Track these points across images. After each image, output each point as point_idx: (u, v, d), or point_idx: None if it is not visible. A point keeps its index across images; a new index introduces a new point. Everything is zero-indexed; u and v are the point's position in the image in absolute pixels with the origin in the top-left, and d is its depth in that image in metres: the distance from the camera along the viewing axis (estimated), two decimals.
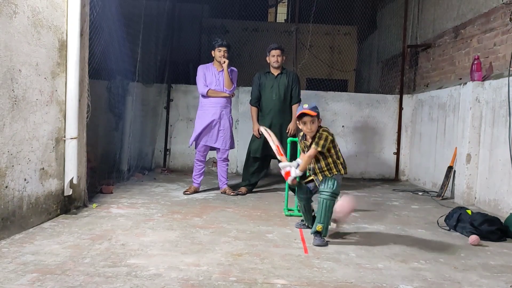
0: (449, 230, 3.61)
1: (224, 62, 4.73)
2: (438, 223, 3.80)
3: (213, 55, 4.85)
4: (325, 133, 3.05)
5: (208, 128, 4.77)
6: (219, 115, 4.79)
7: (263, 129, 3.61)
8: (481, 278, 2.50)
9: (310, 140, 3.11)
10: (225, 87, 4.79)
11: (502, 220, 3.55)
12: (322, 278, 2.38)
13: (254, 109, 5.04)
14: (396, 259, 2.79)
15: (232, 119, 4.95)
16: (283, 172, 3.15)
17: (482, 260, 2.85)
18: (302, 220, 3.50)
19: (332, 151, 3.11)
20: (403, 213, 4.30)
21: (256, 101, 5.03)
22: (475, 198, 4.71)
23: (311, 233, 3.07)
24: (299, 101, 4.95)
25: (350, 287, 2.29)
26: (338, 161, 3.12)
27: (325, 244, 2.99)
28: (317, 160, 3.11)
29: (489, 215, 3.54)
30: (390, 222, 3.84)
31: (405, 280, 2.42)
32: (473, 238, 3.22)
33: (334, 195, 3.02)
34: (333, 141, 3.09)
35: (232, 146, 4.99)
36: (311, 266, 2.57)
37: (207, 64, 4.91)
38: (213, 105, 4.78)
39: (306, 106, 3.05)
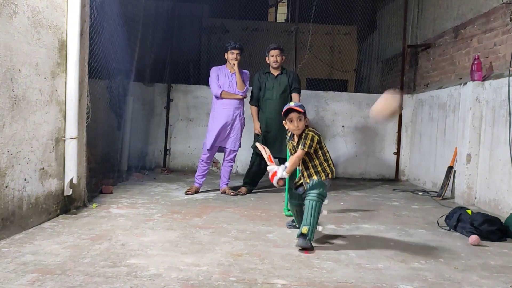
0: (449, 230, 3.61)
1: (234, 64, 4.76)
2: (438, 223, 3.80)
3: (226, 58, 4.88)
4: (311, 133, 3.00)
5: (222, 130, 4.79)
6: (232, 116, 4.82)
7: (258, 145, 3.51)
8: (481, 278, 2.50)
9: (297, 140, 3.06)
10: (238, 88, 4.81)
11: (502, 220, 3.55)
12: (322, 278, 2.38)
13: (254, 108, 5.07)
14: (396, 259, 2.79)
15: (244, 120, 4.96)
16: (270, 174, 3.05)
17: (482, 260, 2.85)
18: (293, 221, 3.45)
19: (319, 152, 3.05)
20: (403, 213, 4.30)
21: (256, 101, 5.05)
22: (475, 198, 4.70)
23: (297, 237, 2.93)
24: (298, 91, 5.00)
25: (350, 287, 2.29)
26: (326, 164, 3.06)
27: (310, 247, 2.87)
28: (304, 162, 3.07)
29: (489, 215, 3.54)
30: (390, 222, 3.84)
31: (405, 280, 2.42)
32: (473, 238, 3.22)
33: (322, 197, 2.96)
34: (319, 141, 3.02)
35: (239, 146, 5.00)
36: (311, 266, 2.57)
37: (220, 66, 4.94)
38: (226, 107, 4.81)
39: (292, 104, 3.04)
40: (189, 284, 2.21)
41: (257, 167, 5.02)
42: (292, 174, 3.15)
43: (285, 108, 3.05)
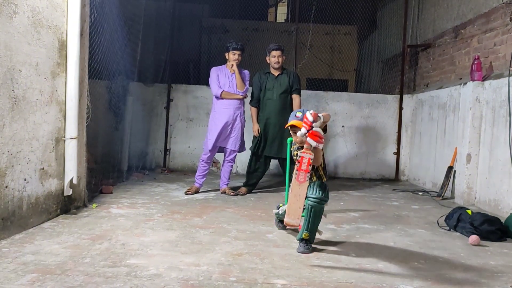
0: (449, 230, 3.61)
1: (232, 65, 4.78)
2: (438, 223, 3.80)
3: (227, 58, 4.88)
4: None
5: (223, 130, 4.80)
6: (233, 116, 4.82)
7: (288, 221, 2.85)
8: (481, 278, 2.50)
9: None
10: (238, 88, 4.81)
11: (502, 220, 3.55)
12: (322, 278, 2.38)
13: (254, 109, 5.06)
14: (396, 259, 2.79)
15: (244, 120, 4.96)
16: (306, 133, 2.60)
17: (482, 260, 2.85)
18: (280, 221, 3.34)
19: (323, 158, 2.96)
20: (403, 213, 4.30)
21: (256, 102, 5.05)
22: (475, 198, 4.70)
23: (297, 239, 2.91)
24: (299, 92, 5.01)
25: (350, 287, 2.29)
26: (323, 172, 2.97)
27: (310, 251, 2.83)
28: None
29: (489, 215, 3.54)
30: (390, 222, 3.84)
31: (405, 280, 2.42)
32: (473, 238, 3.22)
33: (323, 201, 2.83)
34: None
35: (242, 148, 4.98)
36: (311, 266, 2.57)
37: (220, 66, 4.94)
38: (227, 107, 4.81)
39: (299, 115, 2.79)
40: (189, 284, 2.21)
41: (254, 169, 5.02)
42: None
43: (290, 120, 2.86)
